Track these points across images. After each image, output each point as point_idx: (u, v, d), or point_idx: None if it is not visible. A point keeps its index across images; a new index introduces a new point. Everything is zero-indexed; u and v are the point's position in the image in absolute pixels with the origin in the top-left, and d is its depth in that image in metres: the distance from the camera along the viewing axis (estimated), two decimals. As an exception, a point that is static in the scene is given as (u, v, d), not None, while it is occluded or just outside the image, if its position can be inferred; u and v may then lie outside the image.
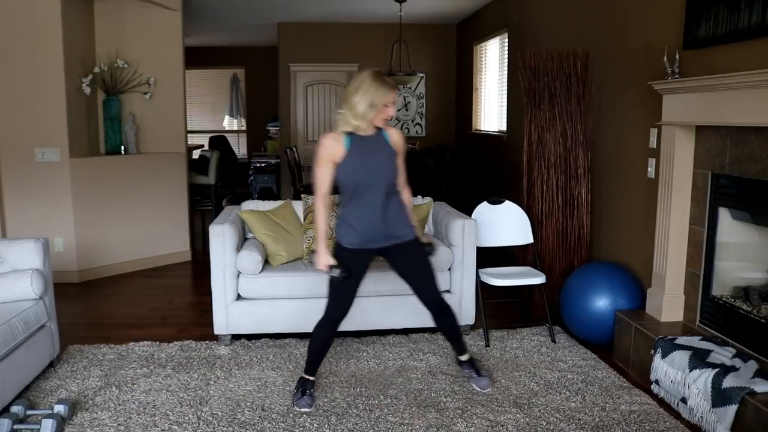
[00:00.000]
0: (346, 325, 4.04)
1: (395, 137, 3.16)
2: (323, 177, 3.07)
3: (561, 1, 5.50)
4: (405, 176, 3.25)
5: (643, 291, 3.93)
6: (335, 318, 3.23)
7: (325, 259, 3.09)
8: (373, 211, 3.09)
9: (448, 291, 4.17)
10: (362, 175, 3.06)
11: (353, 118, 3.01)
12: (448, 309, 3.40)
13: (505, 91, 7.05)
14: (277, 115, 10.18)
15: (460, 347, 3.50)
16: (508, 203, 4.47)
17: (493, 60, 7.88)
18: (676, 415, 3.13)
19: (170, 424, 3.04)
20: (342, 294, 3.19)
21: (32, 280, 3.39)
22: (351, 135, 3.06)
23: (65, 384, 3.47)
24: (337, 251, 3.16)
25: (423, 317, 4.13)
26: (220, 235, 3.96)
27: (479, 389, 3.39)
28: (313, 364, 3.32)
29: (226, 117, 12.78)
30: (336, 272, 3.07)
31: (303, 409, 3.18)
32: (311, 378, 3.32)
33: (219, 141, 11.59)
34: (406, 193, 3.28)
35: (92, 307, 5.03)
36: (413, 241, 3.24)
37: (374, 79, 3.00)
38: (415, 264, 3.27)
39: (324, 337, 3.29)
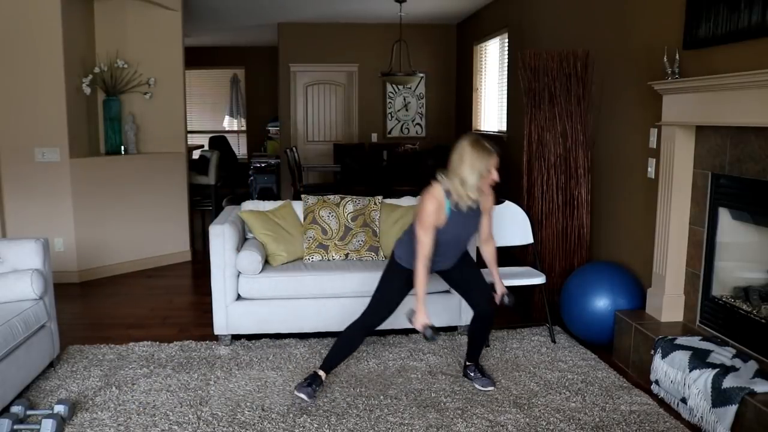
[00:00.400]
0: (346, 325, 4.06)
1: (487, 203, 3.26)
2: (428, 242, 3.10)
3: (561, 1, 5.50)
4: (489, 230, 3.38)
5: (643, 291, 3.93)
6: (369, 325, 3.35)
7: (423, 318, 3.14)
8: (442, 257, 3.27)
9: (448, 291, 4.17)
10: (449, 239, 3.20)
11: (465, 188, 3.04)
12: (491, 319, 3.49)
13: (505, 91, 7.05)
14: (277, 115, 10.18)
15: (475, 354, 3.56)
16: (508, 203, 4.47)
17: (493, 60, 7.88)
18: (676, 415, 3.13)
19: (170, 424, 3.04)
20: (382, 306, 3.33)
21: (32, 280, 3.39)
22: (449, 201, 3.10)
23: (65, 384, 3.47)
24: (394, 265, 3.32)
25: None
26: (220, 235, 3.96)
27: (480, 387, 3.41)
28: (331, 362, 3.36)
29: (226, 117, 12.77)
30: (429, 332, 3.12)
31: (300, 394, 3.20)
32: (322, 375, 3.33)
33: (219, 141, 11.59)
34: (488, 246, 3.44)
35: (92, 307, 5.03)
36: (462, 257, 3.39)
37: (475, 148, 3.03)
38: (464, 273, 3.43)
39: (353, 341, 3.37)
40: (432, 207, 3.07)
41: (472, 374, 3.50)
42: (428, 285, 3.21)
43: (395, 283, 3.32)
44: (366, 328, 3.36)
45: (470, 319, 3.56)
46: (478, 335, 3.53)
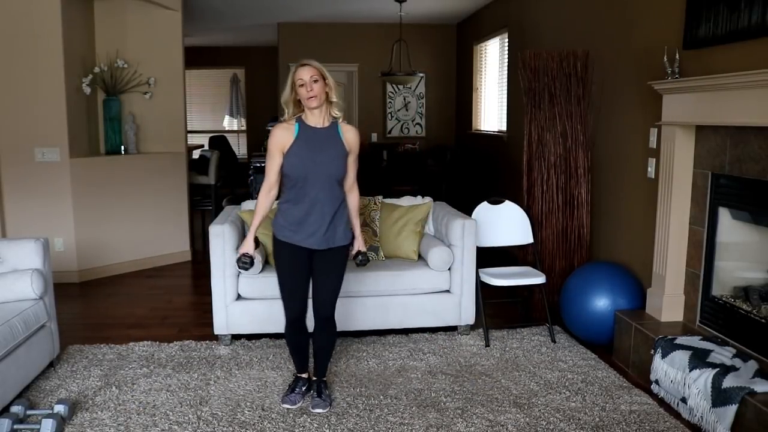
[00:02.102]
0: (346, 325, 4.07)
1: (349, 135, 3.08)
2: (271, 167, 3.04)
3: (561, 1, 5.50)
4: (354, 178, 3.16)
5: (643, 291, 3.93)
6: (291, 318, 3.20)
7: (244, 247, 3.10)
8: (312, 208, 3.02)
9: (447, 291, 4.18)
10: (306, 166, 2.99)
11: (283, 103, 3.03)
12: (332, 329, 3.27)
13: (505, 91, 7.05)
14: (277, 115, 10.17)
15: (320, 369, 3.32)
16: (508, 203, 4.47)
17: (493, 60, 7.88)
18: (676, 415, 3.13)
19: (170, 424, 3.04)
20: (290, 293, 3.15)
21: (32, 280, 3.39)
22: (301, 124, 3.03)
23: (65, 384, 3.47)
24: (274, 244, 3.14)
25: (423, 317, 4.15)
26: (220, 235, 3.96)
27: (310, 408, 3.19)
28: (296, 361, 3.35)
29: (226, 117, 12.77)
30: (244, 261, 3.07)
31: (284, 405, 3.20)
32: (300, 375, 3.34)
33: (219, 141, 11.58)
34: (353, 197, 3.18)
35: (92, 307, 5.03)
36: (342, 248, 3.14)
37: (297, 64, 3.01)
38: (327, 271, 3.16)
39: (290, 340, 3.29)
40: (275, 131, 3.05)
41: (312, 392, 3.28)
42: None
43: (284, 262, 3.13)
44: (289, 322, 3.19)
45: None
46: (319, 346, 3.29)
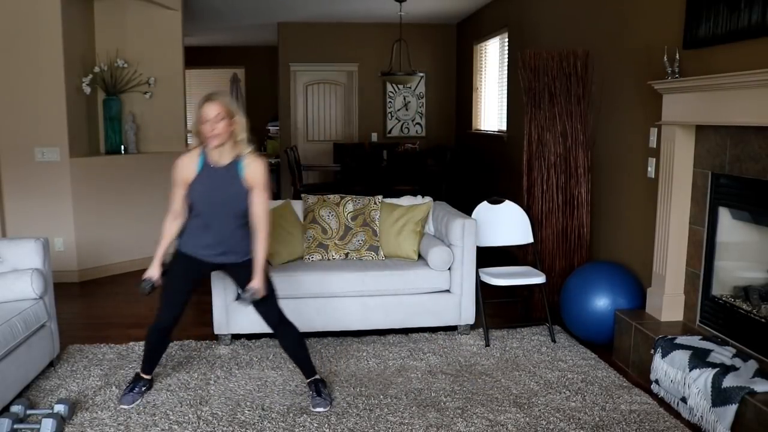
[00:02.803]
0: (346, 325, 4.07)
1: (249, 170, 3.00)
2: (174, 198, 3.10)
3: (561, 1, 5.50)
4: (261, 214, 3.04)
5: (643, 291, 3.93)
6: (160, 325, 3.21)
7: (150, 271, 3.13)
8: (215, 235, 3.08)
9: (447, 291, 4.18)
10: (206, 204, 3.05)
11: (193, 134, 3.01)
12: (290, 326, 3.28)
13: (505, 91, 7.05)
14: (277, 114, 10.18)
15: (306, 369, 3.30)
16: (508, 203, 4.47)
17: (493, 60, 7.88)
18: (676, 415, 3.13)
19: (170, 423, 3.04)
20: (169, 300, 3.18)
21: (32, 279, 3.39)
22: (204, 158, 3.03)
23: (65, 384, 3.47)
24: (175, 254, 3.17)
25: (423, 317, 4.15)
26: (220, 235, 3.96)
27: (311, 408, 3.18)
28: (145, 362, 3.34)
29: (226, 117, 12.75)
30: (144, 285, 3.09)
31: (121, 405, 3.19)
32: (144, 375, 3.33)
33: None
34: (260, 238, 3.06)
35: (92, 306, 5.03)
36: (247, 261, 3.12)
37: (203, 96, 2.97)
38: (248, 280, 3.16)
39: (151, 341, 3.28)
40: (178, 162, 3.05)
41: (310, 393, 3.26)
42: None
43: (177, 270, 3.17)
44: (159, 329, 3.21)
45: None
46: (287, 352, 3.34)
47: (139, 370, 3.37)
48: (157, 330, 3.24)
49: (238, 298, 3.19)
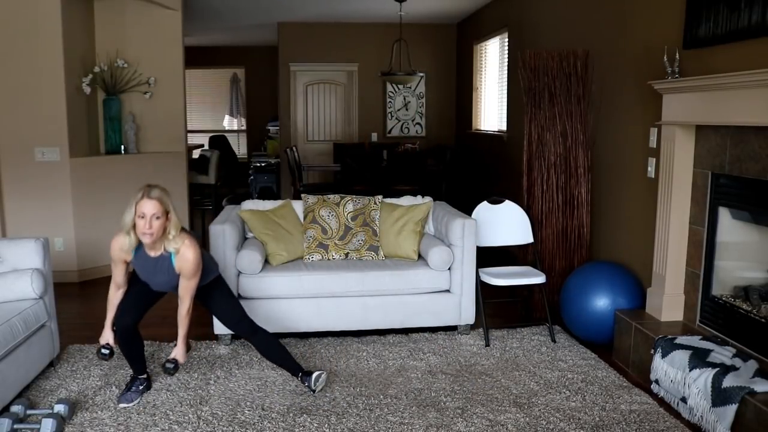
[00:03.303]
0: (346, 325, 4.07)
1: (179, 263, 3.11)
2: (115, 274, 3.21)
3: (561, 1, 5.50)
4: (189, 298, 3.23)
5: (643, 291, 3.93)
6: (122, 327, 3.25)
7: (104, 337, 3.25)
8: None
9: (447, 291, 4.18)
10: (148, 281, 3.24)
11: (123, 229, 3.06)
12: (260, 332, 3.41)
13: (505, 91, 7.05)
14: (277, 114, 10.18)
15: (291, 368, 3.39)
16: (508, 203, 4.47)
17: (493, 60, 7.88)
18: (676, 415, 3.13)
19: (170, 423, 3.04)
20: (130, 304, 3.28)
21: (32, 279, 3.39)
22: (139, 248, 3.12)
23: (65, 384, 3.47)
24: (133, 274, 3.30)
25: (423, 317, 4.15)
26: (220, 235, 3.96)
27: (313, 386, 3.31)
28: (130, 363, 3.38)
29: (226, 117, 12.77)
30: (104, 352, 3.22)
31: (121, 405, 3.22)
32: (138, 375, 3.37)
33: (219, 141, 11.59)
34: (182, 314, 3.25)
35: (92, 307, 5.02)
36: (211, 281, 3.36)
37: (139, 189, 3.06)
38: (214, 300, 3.43)
39: (122, 348, 3.32)
40: (114, 244, 3.14)
41: (305, 383, 3.34)
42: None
43: (135, 286, 3.32)
44: (120, 331, 3.27)
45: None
46: (265, 356, 3.44)
47: (134, 373, 3.39)
48: (122, 334, 3.27)
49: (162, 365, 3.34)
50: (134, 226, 3.03)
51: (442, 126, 9.64)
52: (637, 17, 4.15)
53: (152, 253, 3.11)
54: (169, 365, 3.22)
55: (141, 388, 3.33)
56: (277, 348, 3.40)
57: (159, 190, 3.04)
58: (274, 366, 3.70)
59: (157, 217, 2.98)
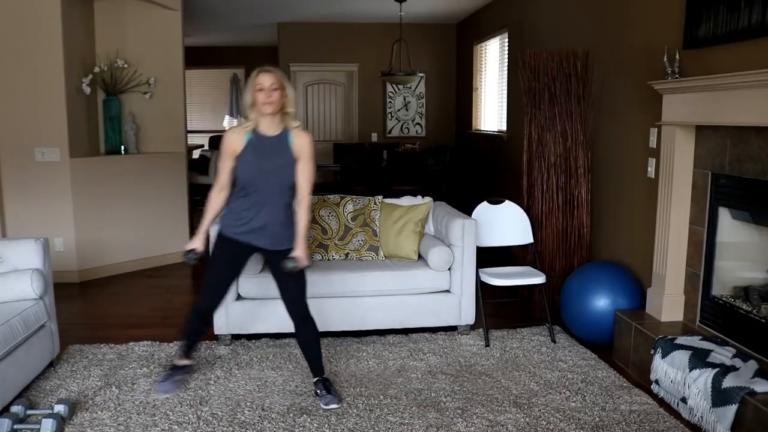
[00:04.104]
0: (346, 325, 4.07)
1: (298, 140, 3.09)
2: (221, 169, 3.13)
3: (561, 1, 5.50)
4: (305, 187, 3.13)
5: (643, 291, 3.93)
6: (204, 308, 3.29)
7: (193, 242, 3.15)
8: (260, 211, 3.11)
9: (447, 291, 4.18)
10: (254, 173, 3.07)
11: (246, 111, 3.07)
12: (311, 323, 3.33)
13: (505, 91, 7.05)
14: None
15: (315, 367, 3.34)
16: (508, 203, 4.47)
17: (493, 60, 7.88)
18: (676, 415, 3.13)
19: (170, 424, 3.04)
20: (213, 285, 3.25)
21: (32, 280, 3.39)
22: (254, 132, 3.09)
23: (65, 384, 3.47)
24: (218, 237, 3.20)
25: (423, 317, 4.15)
26: (220, 235, 3.96)
27: (323, 406, 3.19)
28: (184, 346, 3.38)
29: (226, 117, 12.78)
30: (190, 257, 3.12)
31: (157, 395, 3.23)
32: (180, 362, 3.37)
33: (219, 141, 11.57)
34: (302, 208, 3.16)
35: (92, 307, 5.03)
36: (286, 252, 3.18)
37: (256, 69, 3.06)
38: (285, 278, 3.25)
39: (193, 325, 3.34)
40: (226, 135, 3.13)
41: (318, 392, 3.26)
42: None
43: (221, 256, 3.22)
44: (200, 312, 3.29)
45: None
46: (305, 345, 3.36)
47: (175, 361, 3.38)
48: (199, 314, 3.31)
49: (276, 272, 3.22)
50: (253, 105, 3.02)
51: (442, 126, 9.65)
52: (637, 17, 4.15)
53: (269, 132, 3.07)
54: (291, 263, 3.11)
55: (179, 379, 3.33)
56: (318, 344, 3.37)
57: (275, 68, 3.08)
58: (275, 366, 3.70)
59: (275, 88, 3.00)
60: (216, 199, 3.17)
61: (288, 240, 3.17)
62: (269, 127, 3.07)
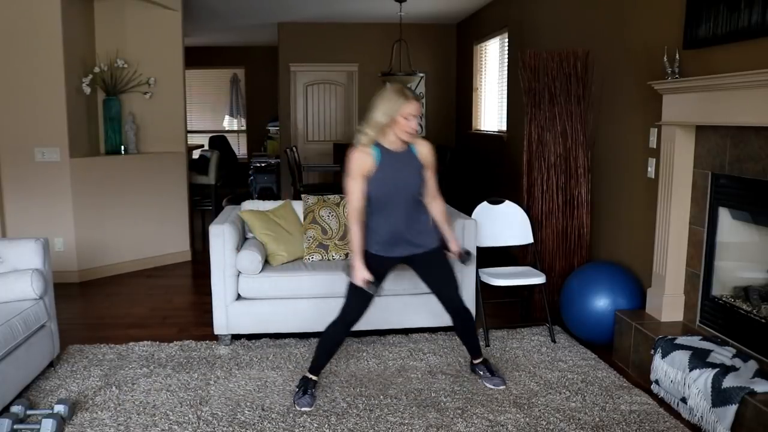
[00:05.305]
0: (346, 325, 4.05)
1: (423, 150, 3.21)
2: (356, 191, 3.11)
3: (561, 1, 5.50)
4: (435, 188, 3.32)
5: (643, 291, 3.93)
6: (350, 321, 3.30)
7: (362, 273, 3.12)
8: (396, 221, 3.18)
9: (448, 291, 4.17)
10: (390, 189, 3.14)
11: (370, 127, 3.08)
12: (468, 312, 3.47)
13: (505, 91, 7.05)
14: (277, 115, 10.18)
15: (474, 350, 3.53)
16: (508, 203, 4.47)
17: (493, 60, 7.88)
18: (676, 415, 3.13)
19: (170, 424, 3.04)
20: (361, 298, 3.24)
21: (32, 280, 3.39)
22: (380, 148, 3.11)
23: (65, 384, 3.47)
24: (365, 255, 3.23)
25: (423, 317, 4.15)
26: (220, 235, 3.96)
27: (492, 387, 3.41)
28: (318, 363, 3.35)
29: (226, 117, 12.78)
30: (372, 288, 3.15)
31: (303, 408, 3.19)
32: (314, 378, 3.33)
33: (219, 141, 11.59)
34: (437, 204, 3.35)
35: (92, 307, 5.03)
36: (436, 249, 3.31)
37: (395, 91, 3.07)
38: (435, 269, 3.35)
39: (336, 339, 3.35)
40: (356, 155, 3.09)
41: (480, 372, 3.50)
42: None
43: (370, 270, 3.20)
44: (346, 323, 3.31)
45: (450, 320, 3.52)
46: (463, 333, 3.51)
47: (308, 374, 3.34)
48: (347, 326, 3.31)
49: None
50: (389, 125, 3.06)
51: (443, 126, 9.64)
52: (637, 17, 4.15)
53: (397, 148, 3.13)
54: (466, 258, 3.37)
55: (315, 391, 3.32)
56: (475, 330, 3.51)
57: (414, 92, 3.12)
58: (275, 366, 3.70)
59: (414, 115, 3.06)
60: (359, 228, 3.14)
61: (432, 238, 3.30)
62: (395, 142, 3.12)
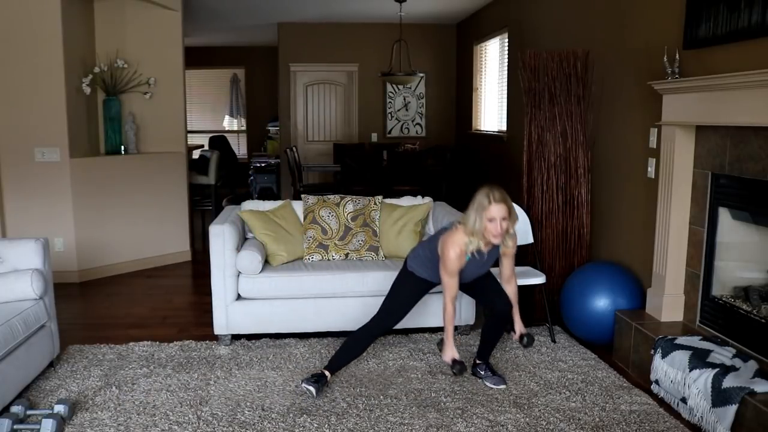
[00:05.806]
0: (345, 325, 4.07)
1: (510, 243, 3.30)
2: (455, 286, 3.28)
3: (561, 1, 5.50)
4: (511, 271, 3.46)
5: (643, 291, 3.93)
6: (386, 328, 3.49)
7: (451, 353, 3.36)
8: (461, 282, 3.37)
9: (448, 291, 4.17)
10: (464, 277, 3.34)
11: (474, 236, 3.14)
12: (506, 315, 3.53)
13: (505, 91, 7.05)
14: (277, 115, 10.19)
15: (487, 352, 3.60)
16: (508, 203, 4.46)
17: (493, 60, 7.88)
18: (676, 415, 3.13)
19: (170, 424, 3.04)
20: (403, 310, 3.44)
21: (32, 280, 3.39)
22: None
23: (65, 384, 3.47)
24: (408, 275, 3.43)
25: (423, 317, 4.15)
26: (220, 235, 3.96)
27: (493, 386, 3.43)
28: (337, 362, 3.42)
29: (226, 117, 12.78)
30: (457, 367, 3.36)
31: (309, 387, 3.26)
32: (328, 375, 3.37)
33: (219, 141, 11.58)
34: (510, 287, 3.48)
35: (92, 307, 5.03)
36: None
37: (482, 194, 3.11)
38: (482, 280, 3.50)
39: (366, 344, 3.46)
40: (455, 254, 3.19)
41: (482, 372, 3.52)
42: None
43: (407, 289, 3.45)
44: (377, 331, 3.45)
45: (485, 319, 3.65)
46: (492, 334, 3.57)
47: (326, 370, 3.39)
48: (380, 333, 3.51)
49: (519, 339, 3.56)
50: (481, 230, 3.13)
51: (442, 126, 9.64)
52: (637, 17, 4.15)
53: (486, 248, 3.23)
54: (527, 339, 3.49)
55: (324, 387, 3.38)
56: (499, 332, 3.57)
57: (499, 191, 3.11)
58: (275, 366, 3.70)
59: (504, 218, 3.08)
60: (454, 309, 3.34)
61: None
62: (488, 244, 3.22)
